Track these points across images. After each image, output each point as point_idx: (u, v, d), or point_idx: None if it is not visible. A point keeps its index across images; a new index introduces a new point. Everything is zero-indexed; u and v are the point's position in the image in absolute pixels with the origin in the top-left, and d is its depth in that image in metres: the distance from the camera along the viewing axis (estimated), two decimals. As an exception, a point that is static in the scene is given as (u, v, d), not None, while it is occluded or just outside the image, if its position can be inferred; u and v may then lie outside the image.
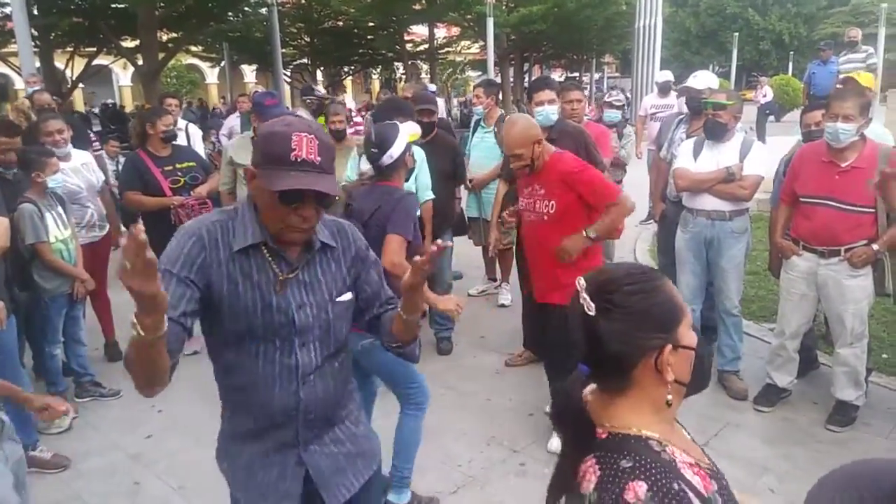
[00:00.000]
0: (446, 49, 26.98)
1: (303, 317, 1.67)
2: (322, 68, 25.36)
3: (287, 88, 22.57)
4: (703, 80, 5.10)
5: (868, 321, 3.71)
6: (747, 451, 3.55)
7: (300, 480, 1.77)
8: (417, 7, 20.32)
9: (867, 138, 3.48)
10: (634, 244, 7.40)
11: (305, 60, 23.74)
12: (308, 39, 22.33)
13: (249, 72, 33.39)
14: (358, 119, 9.41)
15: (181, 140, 6.06)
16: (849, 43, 9.46)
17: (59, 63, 15.57)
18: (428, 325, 4.89)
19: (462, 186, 5.55)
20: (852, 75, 4.73)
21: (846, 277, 3.52)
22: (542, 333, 3.81)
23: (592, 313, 1.13)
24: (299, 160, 1.51)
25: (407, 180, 3.42)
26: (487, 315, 5.57)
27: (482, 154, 5.50)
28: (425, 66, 30.98)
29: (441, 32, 27.04)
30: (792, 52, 37.11)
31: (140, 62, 12.92)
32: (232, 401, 1.78)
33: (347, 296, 1.78)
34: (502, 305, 5.78)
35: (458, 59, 29.79)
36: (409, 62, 25.98)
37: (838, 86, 4.63)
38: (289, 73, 22.96)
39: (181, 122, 6.65)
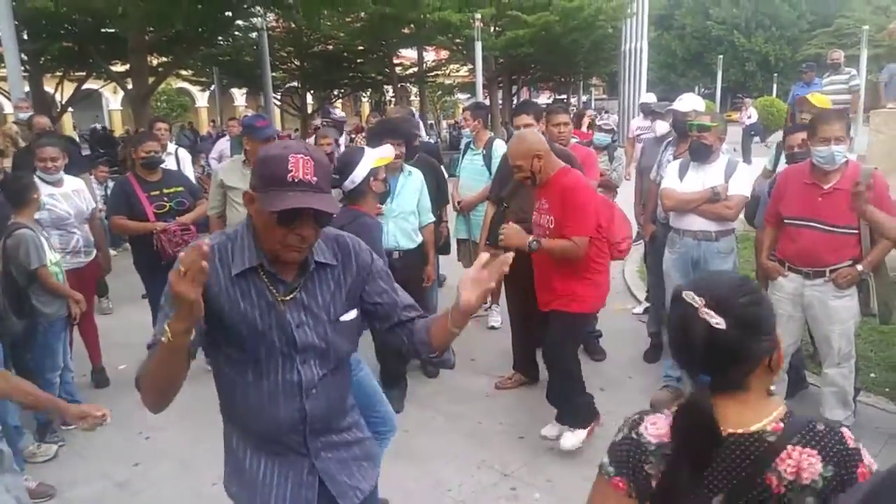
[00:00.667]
0: (435, 72, 27.19)
1: (302, 336, 1.71)
2: (312, 91, 25.48)
3: (277, 112, 22.68)
4: (688, 102, 5.16)
5: (855, 341, 3.73)
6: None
7: (315, 488, 1.81)
8: (406, 31, 20.50)
9: (849, 160, 3.54)
10: (623, 264, 7.42)
11: (295, 84, 23.85)
12: (298, 63, 22.46)
13: (239, 95, 33.56)
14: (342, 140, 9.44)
15: (171, 164, 6.07)
16: (831, 65, 9.61)
17: (49, 87, 15.57)
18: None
19: (451, 208, 5.57)
20: (807, 96, 4.80)
21: (832, 298, 3.54)
22: (542, 342, 3.90)
23: (722, 327, 1.22)
24: (296, 180, 1.55)
25: (382, 203, 3.45)
26: (477, 337, 5.56)
27: (471, 176, 5.54)
28: (414, 89, 31.22)
29: (430, 56, 27.28)
30: (776, 74, 37.65)
31: (130, 86, 12.94)
32: (239, 419, 1.80)
33: (351, 314, 1.80)
34: (492, 327, 5.78)
35: (447, 81, 29.99)
36: (399, 85, 26.17)
37: (800, 110, 4.74)
38: (279, 97, 23.06)
39: (171, 147, 6.67)
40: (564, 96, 35.38)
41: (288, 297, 1.70)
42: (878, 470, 1.13)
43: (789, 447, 1.22)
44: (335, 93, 26.97)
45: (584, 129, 7.84)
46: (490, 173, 5.25)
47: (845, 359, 3.63)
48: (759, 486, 1.21)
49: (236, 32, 16.23)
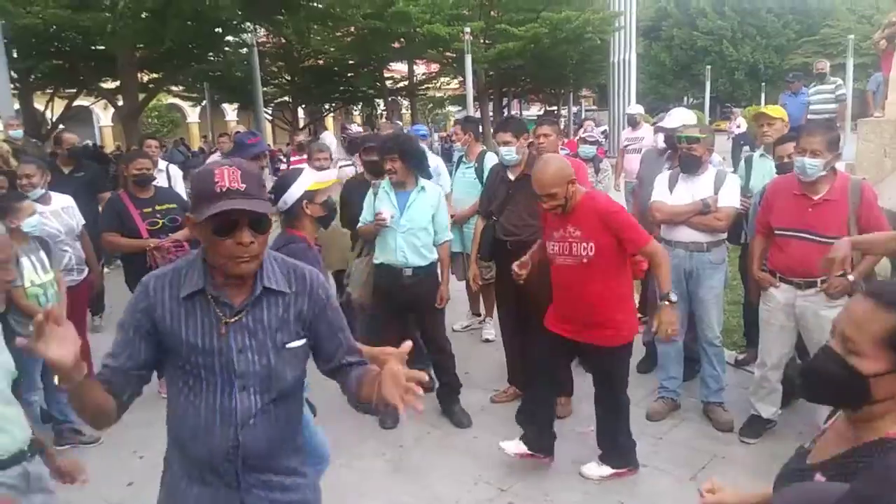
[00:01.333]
0: (426, 85, 27.32)
1: (243, 361, 1.70)
2: (303, 106, 25.54)
3: (269, 126, 22.70)
4: (677, 117, 5.18)
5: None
6: (735, 483, 3.53)
7: None
8: (397, 45, 20.62)
9: (838, 171, 3.57)
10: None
11: (286, 98, 23.91)
12: (289, 78, 22.53)
13: (231, 110, 33.56)
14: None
15: (162, 181, 6.06)
16: (818, 75, 9.71)
17: (39, 104, 15.55)
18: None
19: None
20: (763, 109, 4.82)
21: (823, 308, 3.56)
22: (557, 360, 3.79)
23: None
24: (224, 189, 1.59)
25: (325, 227, 3.35)
26: (472, 351, 5.55)
27: (463, 189, 5.56)
28: (406, 103, 31.33)
29: (421, 69, 27.41)
30: (764, 83, 37.98)
31: (120, 103, 12.93)
32: (179, 441, 1.80)
33: (298, 343, 1.78)
34: (486, 340, 5.77)
35: (438, 94, 30.13)
36: (390, 99, 26.28)
37: (759, 124, 4.78)
38: (270, 112, 23.10)
39: (161, 164, 6.67)
40: (555, 108, 35.59)
41: (233, 320, 1.70)
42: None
43: None
44: (326, 107, 27.05)
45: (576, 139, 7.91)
46: (482, 186, 5.24)
47: (838, 368, 3.63)
48: None
49: (227, 48, 16.27)
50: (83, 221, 4.87)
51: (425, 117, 35.05)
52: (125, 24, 10.02)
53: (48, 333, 1.43)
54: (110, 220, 4.72)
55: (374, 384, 1.66)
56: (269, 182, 3.73)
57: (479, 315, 6.07)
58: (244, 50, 16.76)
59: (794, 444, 3.91)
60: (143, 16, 10.48)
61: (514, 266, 3.75)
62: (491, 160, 5.39)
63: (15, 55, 11.67)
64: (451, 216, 5.49)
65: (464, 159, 5.70)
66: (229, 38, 15.01)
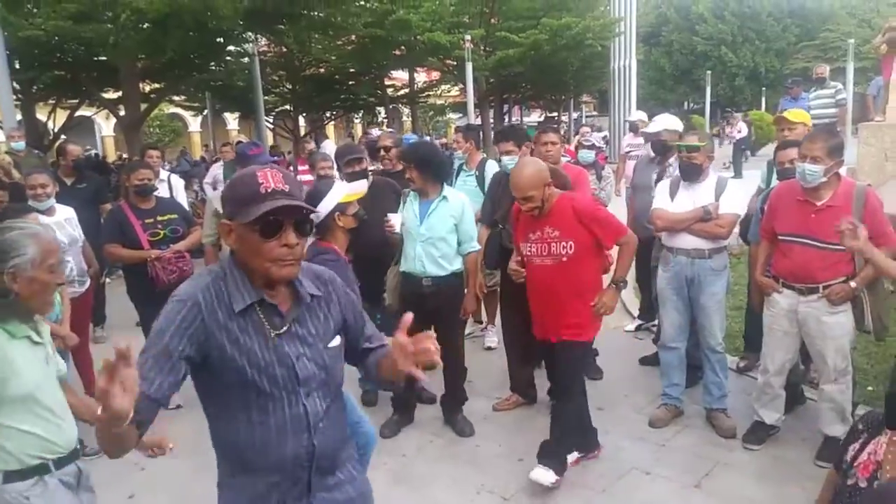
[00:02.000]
0: (427, 93, 27.36)
1: (303, 367, 1.71)
2: (304, 114, 25.58)
3: (270, 135, 22.75)
4: (660, 123, 5.39)
5: (852, 354, 3.73)
6: (739, 490, 3.54)
7: None
8: (397, 53, 20.64)
9: (842, 177, 3.56)
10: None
11: (288, 107, 23.94)
12: (290, 87, 22.54)
13: (232, 119, 33.61)
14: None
15: (164, 191, 6.08)
16: (817, 79, 9.71)
17: (42, 115, 15.59)
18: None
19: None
20: (783, 114, 4.84)
21: (826, 314, 3.55)
22: (546, 364, 4.02)
23: None
24: (269, 191, 1.58)
25: (356, 238, 3.38)
26: (474, 358, 5.53)
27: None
28: (406, 110, 31.38)
29: (421, 77, 27.45)
30: (765, 87, 37.99)
31: (122, 113, 12.97)
32: (242, 459, 1.75)
33: (336, 340, 1.83)
34: (489, 348, 5.76)
35: (439, 102, 30.17)
36: (391, 106, 26.31)
37: (780, 129, 4.78)
38: (271, 120, 23.14)
39: (163, 174, 6.69)
40: (556, 114, 35.61)
41: (283, 331, 1.70)
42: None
43: None
44: (327, 115, 27.09)
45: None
46: (484, 194, 5.24)
47: (841, 374, 3.63)
48: None
49: (228, 58, 16.31)
50: (82, 235, 4.88)
51: (426, 125, 35.09)
52: (127, 36, 10.06)
53: (121, 376, 1.28)
54: (112, 231, 4.73)
55: (389, 361, 1.75)
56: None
57: (482, 323, 6.06)
58: (245, 59, 16.78)
59: (797, 451, 3.94)
60: (144, 27, 10.50)
61: (512, 263, 3.93)
62: (492, 168, 5.39)
63: (17, 66, 11.72)
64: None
65: (464, 167, 5.70)
66: (231, 47, 15.04)
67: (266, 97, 19.62)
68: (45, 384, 2.22)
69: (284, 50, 20.01)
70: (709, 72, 31.94)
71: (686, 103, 43.83)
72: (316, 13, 13.15)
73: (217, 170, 9.36)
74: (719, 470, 3.74)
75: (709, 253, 4.08)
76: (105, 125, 30.93)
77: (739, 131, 18.68)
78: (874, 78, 10.25)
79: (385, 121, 26.97)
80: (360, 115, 31.65)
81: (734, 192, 4.11)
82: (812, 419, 3.97)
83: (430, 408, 4.63)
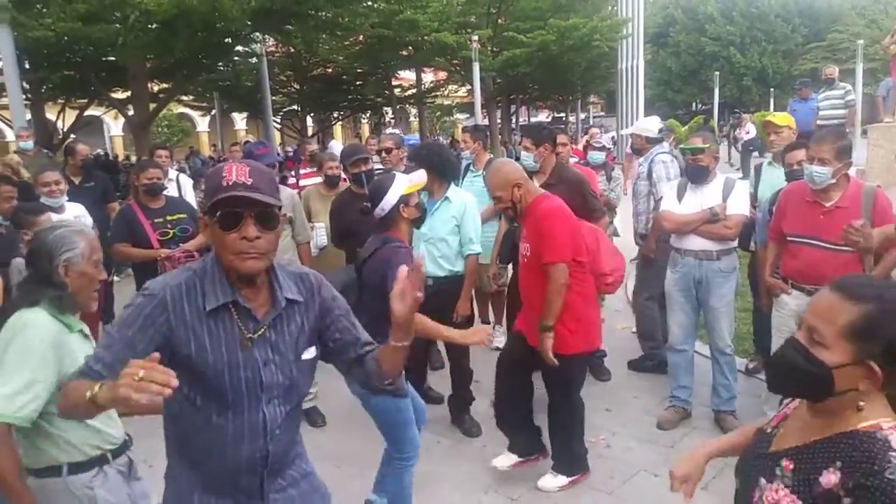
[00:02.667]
0: (434, 93, 27.39)
1: (268, 374, 1.69)
2: (312, 114, 25.66)
3: (277, 135, 22.83)
4: (637, 125, 5.77)
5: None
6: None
7: None
8: (405, 53, 20.69)
9: (851, 178, 3.54)
10: (625, 283, 7.41)
11: (295, 107, 24.02)
12: (297, 87, 22.64)
13: (240, 119, 33.77)
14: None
15: (172, 190, 6.10)
16: (826, 80, 9.67)
17: (51, 115, 15.68)
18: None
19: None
20: (769, 117, 4.83)
21: (834, 315, 3.53)
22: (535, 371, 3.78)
23: None
24: (230, 183, 1.58)
25: (418, 228, 3.44)
26: (481, 359, 5.51)
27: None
28: (414, 110, 31.41)
29: (428, 77, 27.48)
30: (773, 88, 37.86)
31: (131, 112, 13.04)
32: (194, 461, 1.75)
33: (311, 352, 1.79)
34: (497, 348, 5.74)
35: (446, 102, 30.19)
36: (398, 106, 26.35)
37: (767, 132, 4.80)
38: (279, 120, 23.22)
39: (172, 173, 6.71)
40: (563, 115, 35.59)
41: (256, 335, 1.68)
42: None
43: None
44: (334, 115, 27.17)
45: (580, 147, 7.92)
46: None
47: (850, 375, 3.60)
48: None
49: (236, 58, 16.38)
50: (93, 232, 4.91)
51: (433, 125, 35.12)
52: (136, 36, 10.11)
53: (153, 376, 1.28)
54: (121, 231, 4.74)
55: (391, 354, 1.74)
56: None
57: (489, 323, 6.05)
58: (253, 59, 16.86)
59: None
60: (153, 27, 10.55)
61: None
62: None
63: (27, 66, 11.81)
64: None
65: (471, 167, 5.70)
66: (238, 48, 15.12)
67: (274, 97, 19.70)
68: None
69: (292, 50, 20.10)
70: (716, 73, 31.87)
71: (694, 104, 43.70)
72: (323, 13, 13.19)
73: (225, 170, 9.38)
74: (728, 472, 3.70)
75: (717, 254, 4.06)
76: (114, 125, 31.09)
77: (748, 132, 18.58)
78: (884, 79, 10.20)
79: (392, 121, 26.98)
80: (368, 115, 31.73)
81: (742, 193, 4.10)
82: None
83: (438, 408, 4.63)
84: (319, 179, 5.40)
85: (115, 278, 7.09)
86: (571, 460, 3.66)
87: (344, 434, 4.31)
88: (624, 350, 5.54)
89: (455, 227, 4.16)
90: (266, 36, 15.35)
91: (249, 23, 11.78)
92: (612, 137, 22.37)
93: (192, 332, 1.62)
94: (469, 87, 20.38)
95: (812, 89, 9.97)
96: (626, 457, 3.95)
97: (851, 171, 3.59)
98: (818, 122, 9.15)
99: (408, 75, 26.42)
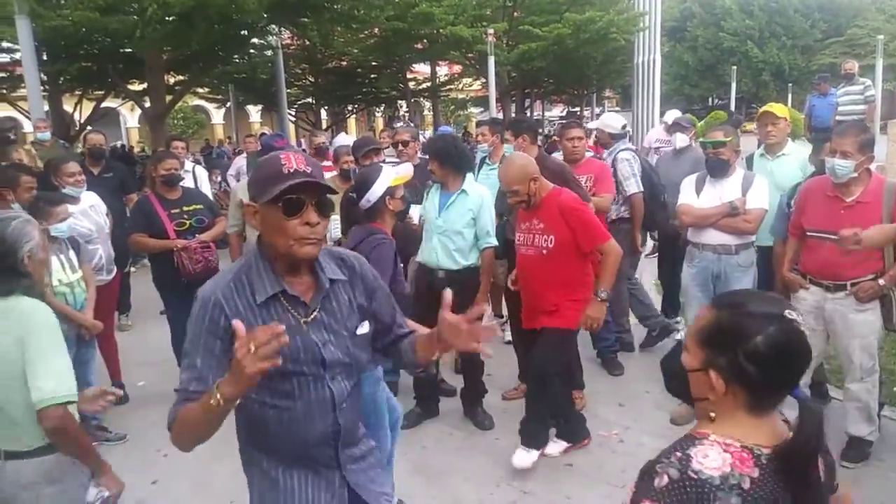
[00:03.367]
0: (448, 87, 27.30)
1: (328, 353, 1.77)
2: (326, 107, 25.67)
3: (292, 127, 22.88)
4: (601, 120, 5.86)
5: (879, 354, 3.68)
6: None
7: (346, 499, 1.89)
8: (419, 46, 20.63)
9: (873, 173, 3.50)
10: (640, 276, 7.37)
11: (310, 100, 24.04)
12: (312, 80, 22.63)
13: (255, 112, 33.83)
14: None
15: (188, 182, 6.13)
16: (845, 76, 9.56)
17: (68, 106, 15.78)
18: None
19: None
20: (768, 108, 4.79)
21: (853, 312, 3.50)
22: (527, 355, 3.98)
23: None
24: (292, 171, 1.63)
25: (402, 220, 3.48)
26: (493, 352, 5.52)
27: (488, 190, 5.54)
28: (428, 104, 31.36)
29: (443, 70, 27.40)
30: (790, 84, 37.46)
31: (147, 105, 13.10)
32: (269, 443, 1.81)
33: (365, 327, 1.87)
34: (508, 342, 5.74)
35: (461, 96, 30.10)
36: (412, 100, 26.29)
37: (763, 123, 4.72)
38: (293, 113, 23.25)
39: (188, 165, 6.75)
40: (578, 109, 35.40)
41: (310, 319, 1.75)
42: None
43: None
44: (349, 108, 27.17)
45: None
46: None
47: (868, 373, 3.58)
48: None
49: (252, 51, 16.40)
50: (108, 222, 4.95)
51: (447, 119, 35.04)
52: (153, 28, 10.13)
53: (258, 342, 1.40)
54: (138, 221, 4.79)
55: (430, 342, 1.84)
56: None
57: (502, 317, 6.04)
58: (269, 52, 16.88)
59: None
60: (170, 19, 10.58)
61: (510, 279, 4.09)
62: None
63: (45, 57, 11.88)
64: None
65: (487, 161, 5.69)
66: (254, 40, 15.13)
67: (288, 90, 19.70)
68: None
69: (307, 43, 20.07)
70: (734, 67, 31.54)
71: (710, 99, 43.29)
72: (339, 6, 13.17)
73: (241, 161, 9.43)
74: None
75: (735, 249, 4.04)
76: (130, 117, 31.28)
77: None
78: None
79: (406, 114, 26.97)
80: (382, 108, 31.72)
81: (761, 187, 4.06)
82: (837, 418, 3.91)
83: (450, 400, 4.64)
84: (335, 173, 5.42)
85: (132, 269, 7.14)
86: (572, 428, 3.89)
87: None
88: (637, 345, 5.52)
89: (471, 220, 4.14)
90: (282, 28, 15.35)
91: (266, 15, 11.78)
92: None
93: (248, 324, 1.63)
94: (484, 80, 20.26)
95: (831, 84, 9.87)
96: (639, 452, 3.94)
97: (871, 167, 3.55)
98: (837, 117, 9.06)
99: (422, 69, 26.33)
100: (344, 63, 22.45)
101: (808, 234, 3.63)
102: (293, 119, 23.42)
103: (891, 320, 3.54)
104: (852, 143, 3.35)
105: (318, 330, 1.76)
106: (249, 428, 1.83)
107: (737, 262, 4.05)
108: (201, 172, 6.97)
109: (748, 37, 39.03)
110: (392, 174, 3.26)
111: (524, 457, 3.67)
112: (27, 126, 16.06)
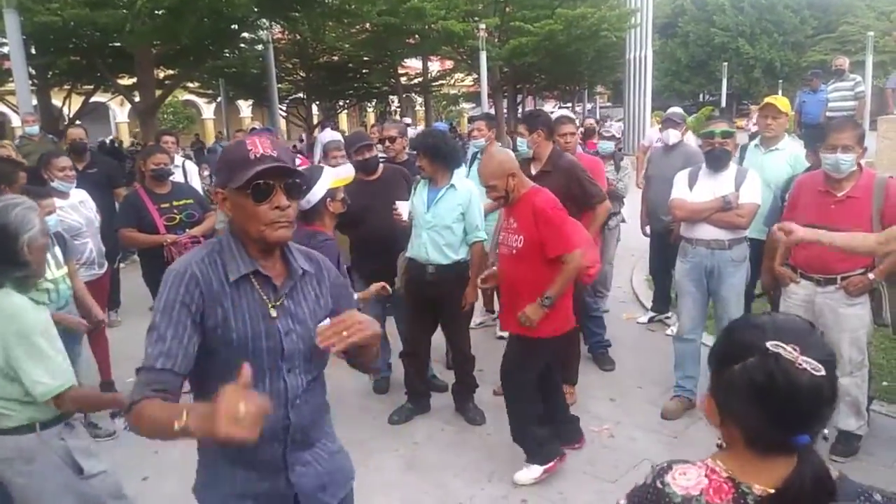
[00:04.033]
0: (440, 82, 27.28)
1: (289, 343, 1.74)
2: (318, 102, 25.59)
3: (283, 123, 22.80)
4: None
5: (868, 348, 3.70)
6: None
7: (291, 502, 1.83)
8: (411, 41, 20.60)
9: (863, 168, 3.52)
10: (631, 273, 7.41)
11: (301, 95, 23.96)
12: (303, 74, 22.56)
13: (246, 107, 33.66)
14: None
15: (178, 177, 6.09)
16: (836, 71, 9.60)
17: (57, 100, 15.67)
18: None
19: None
20: (772, 100, 4.81)
21: (842, 306, 3.52)
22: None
23: (823, 373, 1.11)
24: (258, 156, 1.63)
25: (342, 221, 3.43)
26: (485, 347, 5.52)
27: (481, 185, 5.53)
28: (420, 99, 31.30)
29: (435, 66, 27.36)
30: (781, 80, 37.61)
31: (137, 99, 13.02)
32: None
33: (327, 322, 1.82)
34: (500, 338, 5.74)
35: (452, 91, 30.07)
36: (404, 95, 26.27)
37: (764, 115, 4.79)
38: (284, 108, 23.16)
39: (178, 159, 6.70)
40: (569, 105, 35.43)
41: (278, 303, 1.74)
42: None
43: None
44: (340, 103, 27.09)
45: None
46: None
47: (857, 367, 3.59)
48: None
49: (242, 45, 16.33)
50: (98, 217, 4.91)
51: (439, 114, 34.98)
52: (142, 22, 10.08)
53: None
54: (127, 216, 4.75)
55: (361, 353, 1.82)
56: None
57: (494, 312, 6.04)
58: (259, 47, 16.82)
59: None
60: (159, 13, 10.52)
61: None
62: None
63: (33, 51, 11.79)
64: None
65: (479, 156, 5.68)
66: (245, 34, 15.07)
67: (279, 85, 19.66)
68: None
69: (298, 38, 20.00)
70: (725, 64, 31.65)
71: (701, 95, 43.45)
72: (330, 0, 13.13)
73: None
74: (701, 423, 3.71)
75: (728, 244, 4.05)
76: (120, 111, 31.09)
77: (755, 123, 18.51)
78: (893, 71, 10.12)
79: (398, 110, 26.91)
80: (373, 103, 31.64)
81: (754, 182, 4.07)
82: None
83: (441, 396, 4.63)
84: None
85: (121, 265, 7.09)
86: (542, 448, 3.64)
87: (348, 420, 4.31)
88: (627, 340, 5.54)
89: (461, 214, 4.14)
90: (272, 23, 15.28)
91: (256, 9, 11.73)
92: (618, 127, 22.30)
93: (219, 304, 1.67)
94: (475, 76, 20.29)
95: (821, 81, 9.90)
96: (631, 447, 3.95)
97: (861, 161, 3.58)
98: (827, 113, 9.09)
99: (414, 64, 26.29)
100: (335, 58, 22.40)
101: (800, 228, 3.64)
102: (284, 114, 23.33)
103: (880, 314, 3.56)
104: (851, 136, 3.39)
105: (284, 317, 1.74)
106: None
107: (730, 256, 4.06)
108: (191, 167, 6.92)
109: (739, 33, 39.15)
110: (333, 176, 3.23)
111: (525, 473, 3.60)
112: (15, 120, 15.92)
